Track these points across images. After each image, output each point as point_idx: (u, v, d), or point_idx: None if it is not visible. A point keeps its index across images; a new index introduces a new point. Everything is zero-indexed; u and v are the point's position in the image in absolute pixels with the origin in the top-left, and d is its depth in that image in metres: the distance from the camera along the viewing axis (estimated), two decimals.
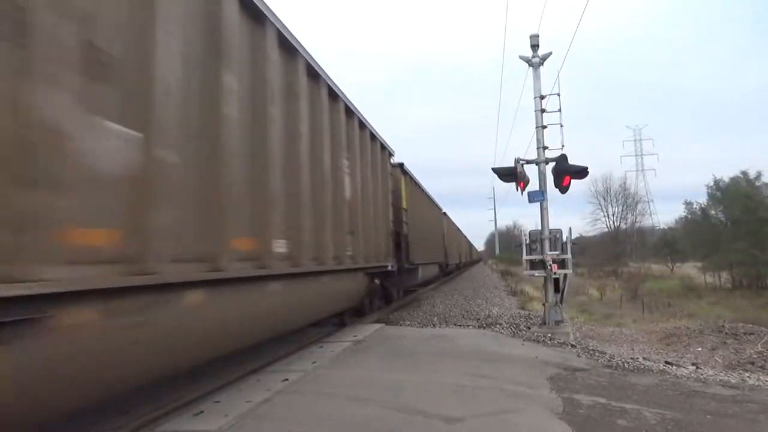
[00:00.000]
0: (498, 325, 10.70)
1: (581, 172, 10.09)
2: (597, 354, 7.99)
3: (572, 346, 8.62)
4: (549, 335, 9.21)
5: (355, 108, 9.58)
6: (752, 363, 9.25)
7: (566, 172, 10.00)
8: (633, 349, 10.91)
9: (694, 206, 46.18)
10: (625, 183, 73.39)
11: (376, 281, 11.39)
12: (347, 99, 9.00)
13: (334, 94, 8.32)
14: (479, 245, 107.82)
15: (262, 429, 4.18)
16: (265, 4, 5.66)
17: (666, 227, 70.20)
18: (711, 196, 43.62)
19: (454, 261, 34.65)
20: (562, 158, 10.06)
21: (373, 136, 11.09)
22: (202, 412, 4.52)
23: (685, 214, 49.39)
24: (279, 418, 4.39)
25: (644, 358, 8.59)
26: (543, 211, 10.41)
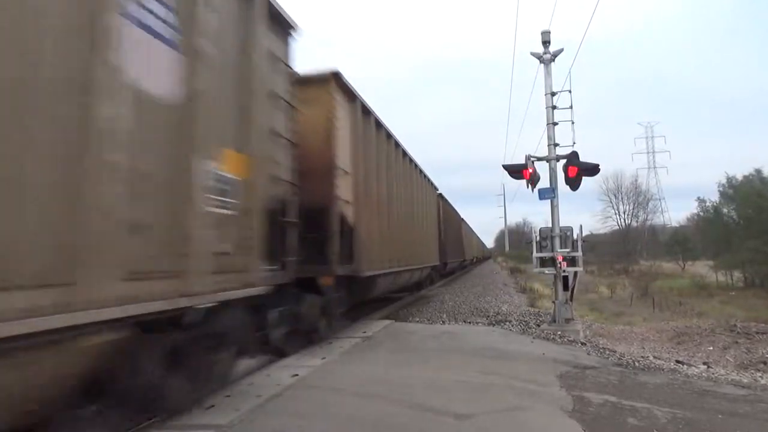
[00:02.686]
0: (507, 323, 10.69)
1: (592, 170, 10.04)
2: (607, 352, 7.95)
3: (582, 343, 8.59)
4: (559, 333, 9.18)
5: None
6: (764, 363, 9.17)
7: (577, 170, 9.94)
8: (643, 348, 10.84)
9: (707, 204, 45.76)
10: (636, 180, 72.87)
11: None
12: None
13: None
14: (489, 242, 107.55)
15: (271, 423, 4.20)
16: None
17: (678, 225, 69.78)
18: (723, 194, 43.22)
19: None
20: (573, 155, 10.01)
21: None
22: (213, 406, 4.55)
23: (697, 211, 48.95)
24: (288, 413, 4.42)
25: (655, 357, 8.54)
26: (553, 208, 10.37)
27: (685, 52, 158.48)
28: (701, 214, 47.72)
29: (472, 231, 48.03)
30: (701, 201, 46.62)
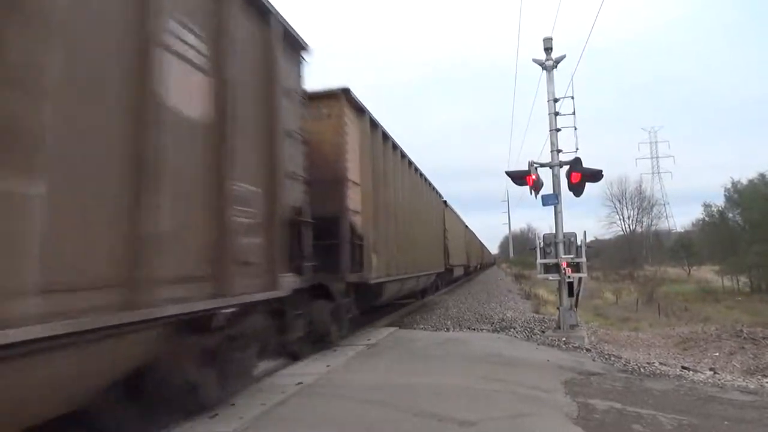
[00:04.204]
0: (512, 329, 10.67)
1: (596, 175, 10.05)
2: (612, 358, 7.93)
3: (587, 350, 8.57)
4: (564, 339, 9.16)
5: None
6: None
7: (580, 176, 9.96)
8: (649, 354, 10.80)
9: (713, 209, 45.64)
10: (640, 186, 72.70)
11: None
12: None
13: None
14: (493, 248, 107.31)
15: (276, 431, 4.20)
16: None
17: (683, 230, 69.56)
18: (728, 198, 43.13)
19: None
20: (576, 161, 10.03)
21: None
22: (217, 414, 4.55)
23: (703, 216, 48.84)
24: (293, 421, 4.42)
25: (660, 363, 8.50)
26: (557, 214, 10.38)
27: (688, 56, 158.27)
28: (707, 219, 47.61)
29: (477, 237, 48.05)
30: (707, 206, 46.52)
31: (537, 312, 16.50)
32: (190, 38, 4.08)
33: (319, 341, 7.65)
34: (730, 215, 43.31)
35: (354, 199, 8.51)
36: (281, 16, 5.62)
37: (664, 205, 76.93)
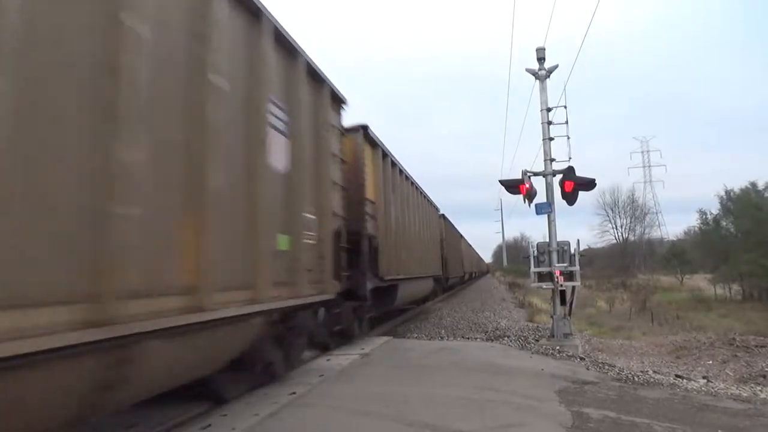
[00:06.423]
0: (506, 338, 10.66)
1: (589, 184, 10.09)
2: (606, 367, 7.93)
3: (581, 358, 8.56)
4: (557, 348, 9.15)
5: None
6: (764, 376, 9.17)
7: (573, 184, 10.00)
8: (643, 362, 10.83)
9: (708, 216, 45.90)
10: (633, 194, 73.31)
11: None
12: None
13: None
14: (487, 256, 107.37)
15: None
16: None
17: (675, 238, 69.99)
18: (722, 206, 43.45)
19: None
20: (570, 170, 10.07)
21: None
22: (209, 425, 4.51)
23: (698, 224, 49.12)
24: None
25: (654, 372, 8.52)
26: (550, 223, 10.40)
27: (682, 65, 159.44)
28: (702, 226, 47.88)
29: (471, 247, 48.19)
30: (702, 213, 46.78)
31: (531, 321, 16.52)
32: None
33: (344, 336, 9.08)
34: (724, 223, 43.63)
35: (371, 215, 9.89)
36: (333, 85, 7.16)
37: (657, 213, 77.48)
